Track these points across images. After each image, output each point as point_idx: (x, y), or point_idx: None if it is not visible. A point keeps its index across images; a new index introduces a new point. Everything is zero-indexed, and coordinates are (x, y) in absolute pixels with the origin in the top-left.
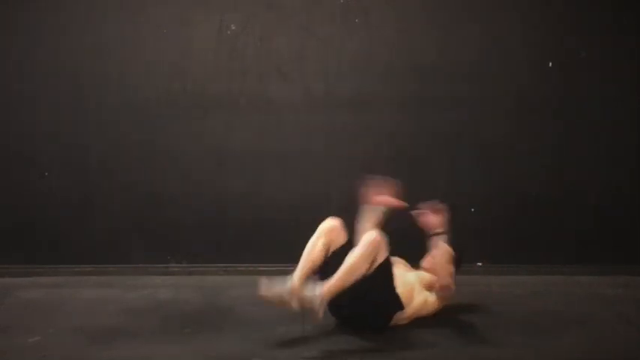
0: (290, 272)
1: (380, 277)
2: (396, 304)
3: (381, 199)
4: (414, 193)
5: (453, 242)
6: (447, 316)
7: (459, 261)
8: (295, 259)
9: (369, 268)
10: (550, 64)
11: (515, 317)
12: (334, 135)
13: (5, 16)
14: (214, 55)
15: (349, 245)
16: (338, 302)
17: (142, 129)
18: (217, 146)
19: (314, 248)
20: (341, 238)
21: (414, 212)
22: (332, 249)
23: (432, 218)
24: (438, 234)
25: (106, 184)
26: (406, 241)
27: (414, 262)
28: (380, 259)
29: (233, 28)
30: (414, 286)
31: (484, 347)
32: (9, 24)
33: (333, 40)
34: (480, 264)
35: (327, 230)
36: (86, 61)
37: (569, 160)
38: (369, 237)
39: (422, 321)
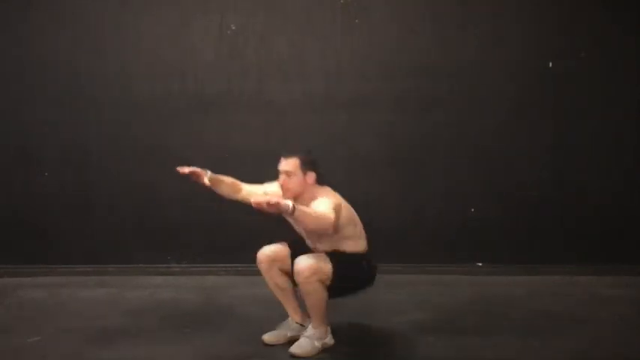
0: None
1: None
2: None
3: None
4: (414, 193)
5: None
6: (447, 317)
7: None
8: None
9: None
10: (550, 64)
11: (516, 317)
12: (334, 135)
13: (5, 16)
14: (214, 55)
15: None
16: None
17: (141, 129)
18: (217, 146)
19: (274, 283)
20: (283, 254)
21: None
22: (285, 267)
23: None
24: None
25: (106, 184)
26: None
27: None
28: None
29: (233, 28)
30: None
31: (484, 347)
32: (9, 24)
33: (333, 40)
34: (480, 264)
35: (267, 260)
36: (86, 61)
37: (569, 160)
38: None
39: (422, 321)
